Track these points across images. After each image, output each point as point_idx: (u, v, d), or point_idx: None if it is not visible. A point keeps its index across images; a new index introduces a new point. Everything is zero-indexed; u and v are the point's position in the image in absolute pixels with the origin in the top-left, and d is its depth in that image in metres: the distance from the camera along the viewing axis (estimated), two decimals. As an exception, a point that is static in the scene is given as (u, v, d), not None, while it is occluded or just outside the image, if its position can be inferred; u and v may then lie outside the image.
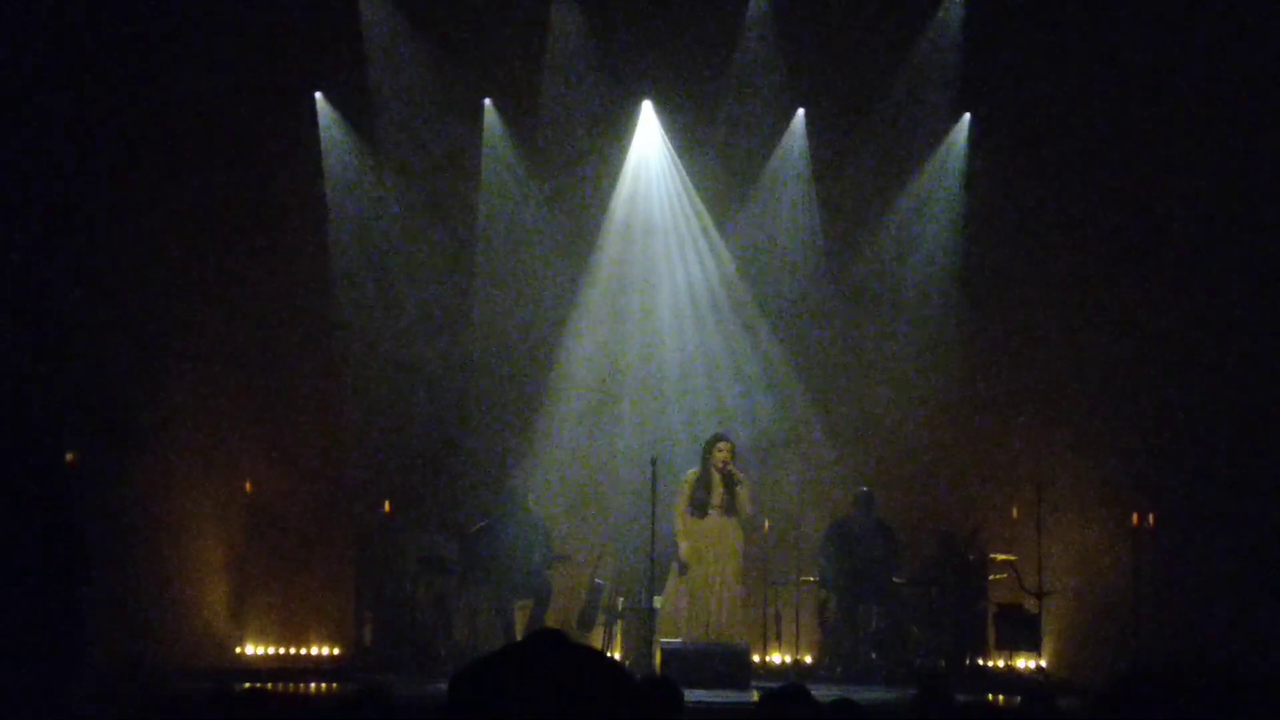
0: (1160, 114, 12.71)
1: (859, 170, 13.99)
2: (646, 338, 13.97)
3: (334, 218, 13.70)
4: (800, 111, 14.02)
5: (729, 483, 11.33)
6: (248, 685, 6.81)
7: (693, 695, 7.36)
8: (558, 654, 1.39)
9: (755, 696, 8.41)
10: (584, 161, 13.99)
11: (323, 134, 13.71)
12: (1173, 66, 12.54)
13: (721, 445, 11.46)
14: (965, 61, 13.67)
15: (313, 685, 10.28)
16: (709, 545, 11.35)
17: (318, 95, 13.75)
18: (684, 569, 11.35)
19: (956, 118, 13.88)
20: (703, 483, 11.38)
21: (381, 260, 13.89)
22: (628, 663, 11.21)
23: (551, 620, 12.02)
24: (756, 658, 11.70)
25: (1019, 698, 6.05)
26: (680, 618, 11.27)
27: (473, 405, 13.91)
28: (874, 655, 11.68)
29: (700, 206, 14.15)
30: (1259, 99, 12.31)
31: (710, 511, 11.34)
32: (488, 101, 14.02)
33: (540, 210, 14.09)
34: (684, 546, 11.35)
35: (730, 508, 11.34)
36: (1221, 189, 12.59)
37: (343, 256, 13.76)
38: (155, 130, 12.65)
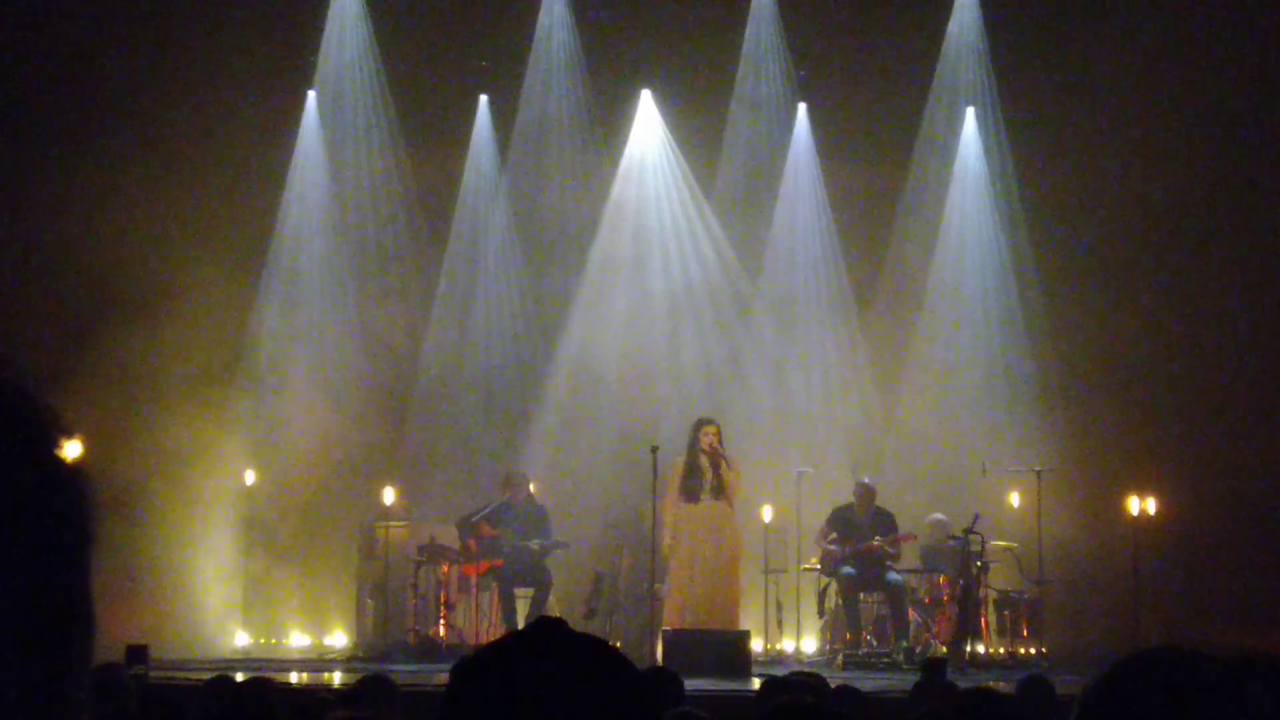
0: (1160, 109, 12.75)
1: (863, 164, 14.02)
2: (646, 328, 13.96)
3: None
4: (802, 106, 14.01)
5: (717, 466, 11.17)
6: (249, 675, 6.81)
7: (694, 684, 7.36)
8: (559, 642, 1.40)
9: (756, 685, 8.42)
10: (583, 151, 13.99)
11: (304, 131, 13.77)
12: (1177, 53, 12.55)
13: (708, 429, 11.22)
14: (977, 56, 13.73)
15: (314, 674, 10.29)
16: (702, 530, 11.13)
17: (310, 93, 13.77)
18: (665, 560, 11.21)
19: (960, 112, 13.93)
20: (691, 468, 11.18)
21: (370, 252, 13.92)
22: (630, 652, 11.22)
23: (554, 609, 12.02)
24: (757, 646, 11.71)
25: (1019, 684, 6.06)
26: (676, 605, 11.13)
27: (473, 392, 13.92)
28: (874, 642, 11.69)
29: (700, 197, 14.14)
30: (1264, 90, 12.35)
31: (701, 496, 11.12)
32: (484, 98, 14.05)
33: (538, 201, 14.10)
34: (666, 538, 11.14)
35: (720, 491, 11.14)
36: (1221, 181, 12.63)
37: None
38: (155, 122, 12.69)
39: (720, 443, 11.18)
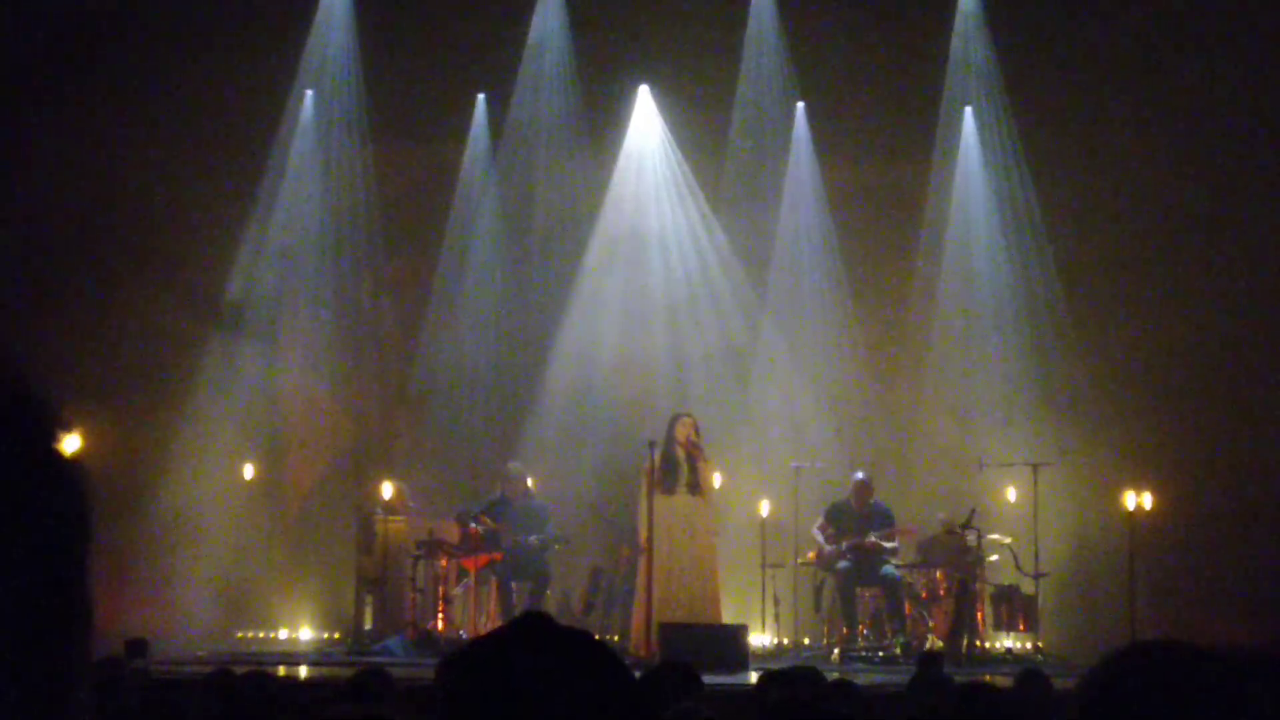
0: (1163, 109, 12.78)
1: (864, 162, 14.03)
2: (644, 323, 13.95)
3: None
4: (800, 105, 14.00)
5: (692, 459, 11.08)
6: (248, 669, 6.81)
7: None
8: (553, 637, 1.39)
9: (754, 678, 8.43)
10: (580, 147, 13.98)
11: (301, 130, 13.75)
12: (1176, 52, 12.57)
13: (684, 421, 11.14)
14: (981, 54, 13.75)
15: (312, 668, 10.30)
16: (677, 524, 11.01)
17: (309, 93, 13.76)
18: (639, 554, 11.15)
19: (959, 113, 13.94)
20: (667, 461, 11.06)
21: (364, 247, 13.93)
22: (629, 646, 11.20)
23: (552, 604, 12.04)
24: (755, 640, 11.70)
25: (1016, 678, 6.07)
26: (663, 600, 10.98)
27: (470, 388, 13.92)
28: (871, 637, 11.70)
29: (698, 193, 14.14)
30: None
31: (678, 489, 11.03)
32: (481, 96, 14.05)
33: (534, 197, 14.09)
34: (642, 531, 11.03)
35: (696, 485, 11.07)
36: (1224, 180, 12.68)
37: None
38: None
39: (697, 435, 11.11)
